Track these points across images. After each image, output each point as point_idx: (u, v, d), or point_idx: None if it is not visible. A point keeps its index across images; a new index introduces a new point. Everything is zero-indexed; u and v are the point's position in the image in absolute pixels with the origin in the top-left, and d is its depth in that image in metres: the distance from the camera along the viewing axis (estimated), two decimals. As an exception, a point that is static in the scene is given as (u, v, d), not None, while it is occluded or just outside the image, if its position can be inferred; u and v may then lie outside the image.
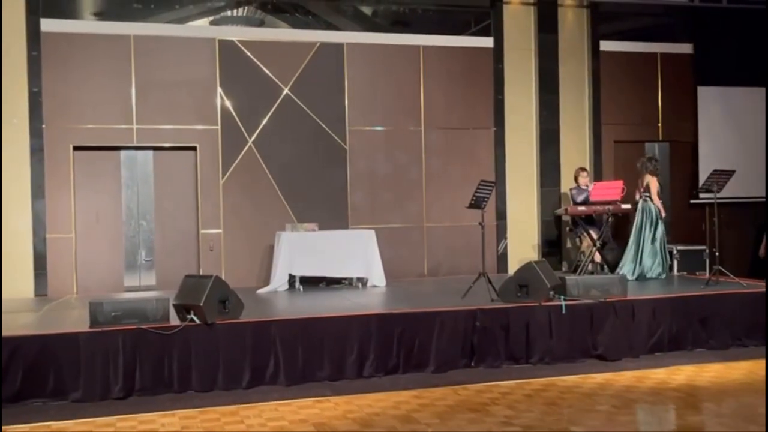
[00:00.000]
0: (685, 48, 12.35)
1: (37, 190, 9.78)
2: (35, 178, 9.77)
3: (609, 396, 6.12)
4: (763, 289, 8.23)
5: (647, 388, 6.40)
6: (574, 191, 10.75)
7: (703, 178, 10.26)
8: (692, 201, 10.80)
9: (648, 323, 7.66)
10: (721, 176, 9.01)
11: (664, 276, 9.74)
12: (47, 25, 9.85)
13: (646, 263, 9.79)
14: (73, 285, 9.91)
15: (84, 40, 10.02)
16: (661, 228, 9.85)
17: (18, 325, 7.04)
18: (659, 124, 12.28)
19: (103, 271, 10.19)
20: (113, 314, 6.43)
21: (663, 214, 9.91)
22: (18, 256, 9.66)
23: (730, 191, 9.72)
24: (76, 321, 7.05)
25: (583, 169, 10.92)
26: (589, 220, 10.49)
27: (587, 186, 10.62)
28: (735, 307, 8.01)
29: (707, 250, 10.44)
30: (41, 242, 9.78)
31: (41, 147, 9.81)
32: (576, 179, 10.85)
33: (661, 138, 12.31)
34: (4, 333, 6.37)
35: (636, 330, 7.60)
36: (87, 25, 10.15)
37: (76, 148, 10.01)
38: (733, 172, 9.11)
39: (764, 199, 11.82)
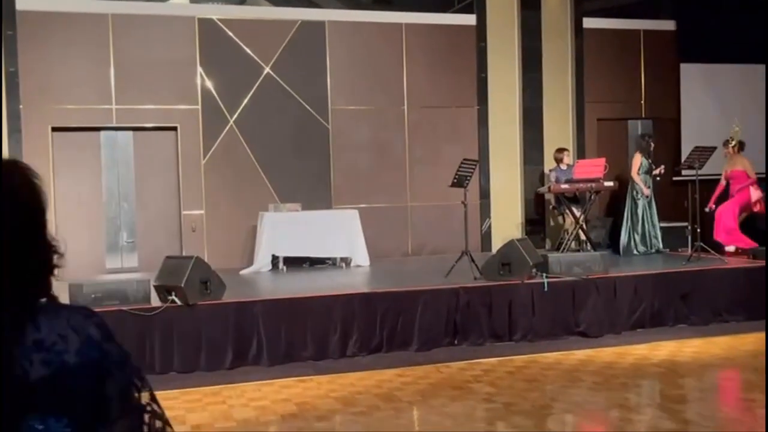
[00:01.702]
0: (668, 25, 12.33)
1: (16, 172, 9.64)
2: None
3: (590, 372, 6.15)
4: (744, 265, 8.31)
5: (628, 364, 6.44)
6: (555, 172, 10.73)
7: (685, 155, 10.28)
8: (675, 178, 10.82)
9: (630, 300, 7.70)
10: (703, 153, 9.04)
11: (649, 252, 9.86)
12: (23, 3, 9.68)
13: (633, 240, 9.91)
14: (54, 267, 9.81)
15: (61, 18, 9.86)
16: (640, 206, 9.92)
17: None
18: (642, 102, 12.28)
19: (85, 253, 10.10)
20: (93, 296, 6.38)
21: (645, 193, 9.95)
22: (-3, 239, 9.55)
23: (712, 168, 9.76)
24: (56, 303, 6.98)
25: (564, 149, 10.90)
26: (572, 198, 10.51)
27: (569, 165, 10.63)
28: (716, 283, 8.07)
29: (689, 227, 10.49)
30: (21, 224, 9.66)
31: (19, 128, 9.68)
32: (557, 160, 10.84)
33: (644, 115, 12.32)
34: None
35: (618, 307, 7.64)
36: (64, 3, 9.98)
37: (54, 129, 9.89)
38: (715, 148, 9.14)
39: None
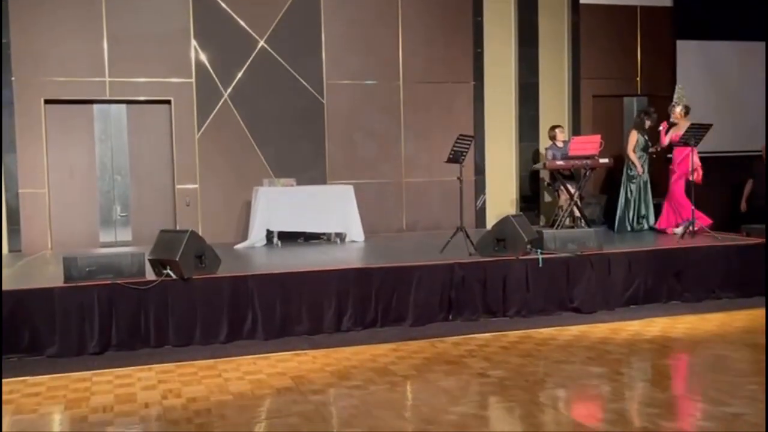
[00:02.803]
0: (665, 1, 12.27)
1: (9, 145, 9.60)
2: (6, 132, 9.58)
3: (584, 348, 6.18)
4: (737, 242, 8.34)
5: (622, 339, 6.47)
6: (551, 150, 10.70)
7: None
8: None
9: (624, 276, 7.73)
10: (699, 130, 9.02)
11: (642, 229, 9.89)
12: (14, -27, 9.57)
13: (627, 217, 9.95)
14: (47, 241, 9.80)
15: (53, -11, 9.75)
16: (635, 183, 9.92)
17: (-9, 280, 6.95)
18: (638, 79, 12.26)
19: (78, 227, 10.08)
20: (88, 269, 6.37)
21: (639, 171, 9.92)
22: (-10, 212, 9.53)
23: (707, 145, 9.75)
24: (50, 276, 6.98)
25: (558, 126, 10.86)
26: (568, 175, 10.51)
27: (564, 142, 10.61)
28: (709, 261, 8.10)
29: (683, 205, 10.50)
30: (14, 197, 9.64)
31: (11, 100, 9.61)
32: (552, 138, 10.81)
33: (639, 92, 12.30)
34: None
35: (611, 283, 7.67)
36: (56, -26, 9.87)
37: (47, 102, 9.82)
38: (710, 125, 9.11)
39: (740, 154, 11.92)
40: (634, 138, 9.96)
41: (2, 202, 9.62)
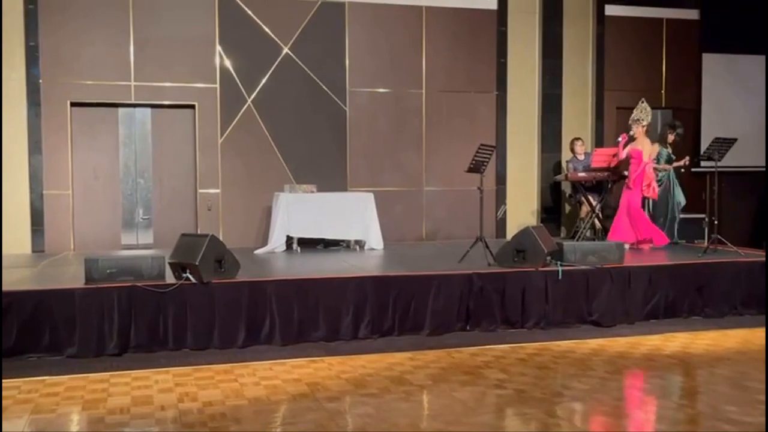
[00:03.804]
0: (692, 14, 12.19)
1: (35, 146, 9.73)
2: (32, 133, 9.71)
3: (602, 362, 6.13)
4: (762, 259, 8.22)
5: (641, 354, 6.41)
6: (572, 163, 10.64)
7: (705, 146, 10.19)
8: (694, 169, 10.73)
9: (644, 290, 7.66)
10: (723, 144, 8.94)
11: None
12: (44, -22, 9.71)
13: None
14: (70, 242, 9.90)
15: (82, -6, 9.88)
16: (658, 196, 9.81)
17: (14, 280, 7.04)
18: (662, 91, 12.17)
19: (101, 229, 10.18)
20: (108, 271, 6.42)
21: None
22: (15, 212, 9.65)
23: (732, 160, 9.65)
24: (72, 277, 7.04)
25: (578, 139, 10.80)
26: (589, 187, 10.44)
27: (583, 155, 10.54)
28: (732, 276, 8.00)
29: (706, 219, 10.41)
30: (38, 198, 9.75)
31: (38, 102, 9.74)
32: (572, 150, 10.76)
33: (663, 105, 12.21)
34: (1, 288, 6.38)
35: (632, 297, 7.60)
36: (85, -21, 10.00)
37: (73, 104, 9.94)
38: (735, 140, 9.03)
39: (765, 169, 11.79)
40: (655, 151, 9.85)
41: (8, 204, 9.73)
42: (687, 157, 9.99)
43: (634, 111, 9.54)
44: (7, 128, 9.61)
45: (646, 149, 9.39)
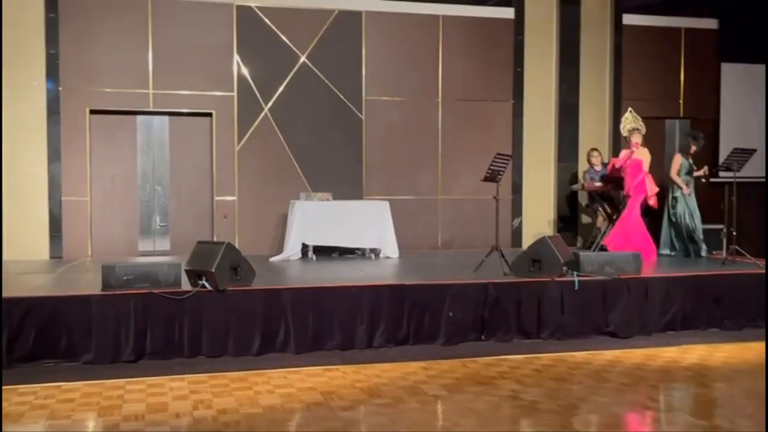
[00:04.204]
0: (710, 23, 12.12)
1: (54, 153, 9.82)
2: (52, 140, 9.80)
3: (619, 373, 6.08)
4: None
5: (658, 366, 6.36)
6: (589, 174, 10.59)
7: (723, 156, 10.11)
8: (712, 179, 10.63)
9: (661, 301, 7.60)
10: (742, 155, 8.87)
11: (672, 254, 9.68)
12: (65, -14, 9.82)
13: (669, 241, 9.76)
14: (87, 248, 9.97)
15: (102, 3, 9.96)
16: (679, 207, 9.68)
17: (32, 286, 7.10)
18: (680, 101, 12.11)
19: (118, 235, 10.24)
20: (125, 278, 6.46)
21: (686, 191, 9.65)
22: (34, 218, 9.73)
23: (751, 170, 9.57)
24: (89, 283, 7.09)
25: (595, 150, 10.75)
26: (606, 197, 10.38)
27: (600, 166, 10.49)
28: (751, 288, 7.91)
29: (725, 230, 10.31)
30: (57, 205, 9.83)
31: (58, 110, 9.83)
32: (589, 161, 10.71)
33: (681, 115, 12.14)
34: (18, 293, 6.44)
35: (649, 308, 7.54)
36: (105, -12, 10.09)
37: (92, 112, 10.02)
38: (754, 150, 8.96)
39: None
40: (678, 161, 9.75)
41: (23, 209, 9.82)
42: (705, 167, 9.90)
43: (628, 121, 9.43)
44: (27, 135, 9.70)
45: (646, 159, 9.33)
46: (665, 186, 9.98)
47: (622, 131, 9.57)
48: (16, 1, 9.61)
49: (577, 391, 5.59)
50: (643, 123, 9.49)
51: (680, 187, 9.61)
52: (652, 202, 9.44)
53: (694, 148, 9.87)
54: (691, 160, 9.87)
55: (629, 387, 5.67)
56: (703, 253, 9.59)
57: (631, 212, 9.32)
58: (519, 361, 6.45)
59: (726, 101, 11.98)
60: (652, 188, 9.35)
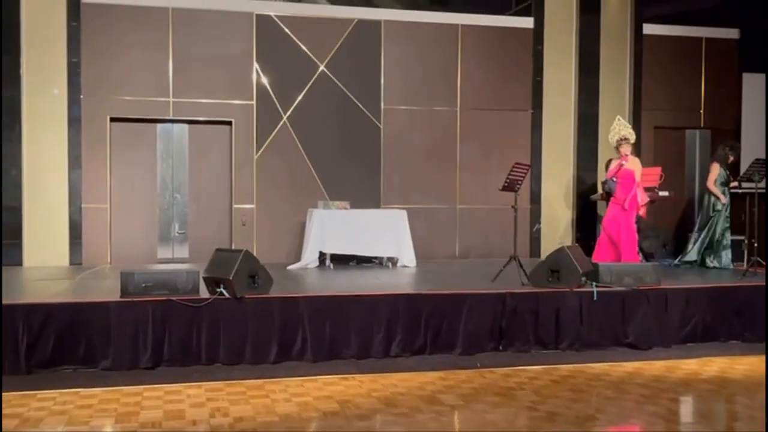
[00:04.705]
0: (732, 33, 12.04)
1: (74, 160, 9.90)
2: (72, 148, 9.89)
3: (638, 385, 6.03)
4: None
5: (678, 378, 6.29)
6: (608, 184, 10.49)
7: (745, 167, 10.02)
8: (732, 190, 10.53)
9: (681, 313, 7.52)
10: (763, 165, 8.78)
11: (719, 267, 9.57)
12: (87, -4, 9.93)
13: (704, 254, 9.63)
14: (107, 255, 10.04)
15: (123, 11, 10.06)
16: (715, 218, 9.58)
17: (52, 292, 7.16)
18: (701, 111, 12.02)
19: (137, 242, 10.30)
20: (144, 285, 6.49)
21: (722, 201, 9.58)
22: (54, 225, 9.82)
23: (773, 181, 9.47)
24: (108, 290, 7.13)
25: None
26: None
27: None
28: (772, 300, 7.82)
29: (746, 241, 10.21)
30: (77, 212, 9.91)
31: (79, 117, 9.92)
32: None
33: (702, 125, 12.06)
34: (38, 300, 6.50)
35: (668, 319, 7.47)
36: (126, -3, 10.18)
37: (113, 120, 10.11)
38: (775, 161, 8.86)
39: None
40: (716, 171, 9.65)
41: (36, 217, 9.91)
42: (737, 180, 9.81)
43: (618, 130, 9.19)
44: (48, 143, 9.80)
45: (638, 170, 9.18)
46: (702, 196, 9.85)
47: (610, 141, 9.35)
48: (39, 10, 9.72)
49: (596, 403, 5.54)
50: (632, 131, 9.20)
51: (718, 197, 9.53)
52: (642, 212, 9.36)
53: (731, 159, 9.79)
54: (728, 171, 9.77)
55: (649, 399, 5.61)
56: (722, 263, 9.51)
57: (630, 227, 9.01)
58: (537, 372, 6.41)
59: (747, 111, 11.86)
60: (642, 198, 9.21)
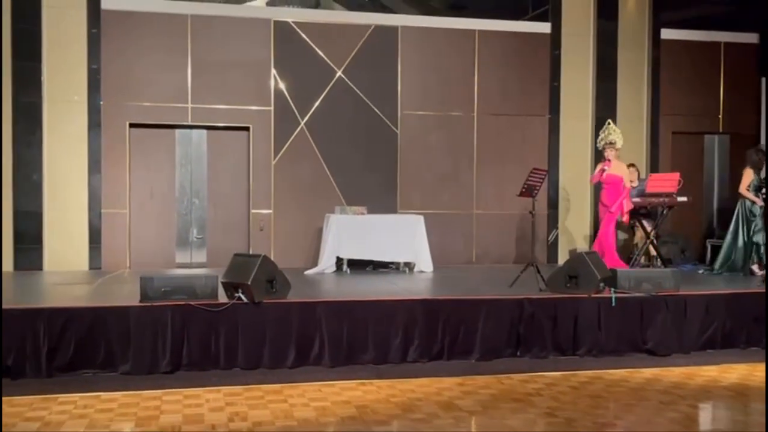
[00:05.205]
0: (751, 38, 11.97)
1: (94, 166, 10.00)
2: (92, 153, 9.99)
3: (657, 392, 5.99)
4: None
5: (697, 385, 6.25)
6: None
7: (763, 173, 9.94)
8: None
9: (700, 319, 7.48)
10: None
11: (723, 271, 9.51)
12: (108, 2, 10.01)
13: (736, 259, 9.54)
14: (126, 259, 10.11)
15: (143, 18, 10.16)
16: (755, 223, 9.50)
17: (72, 296, 7.22)
18: (720, 116, 11.95)
19: (156, 247, 10.38)
20: (163, 289, 6.53)
21: (760, 203, 9.49)
22: (74, 230, 9.91)
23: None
24: (127, 295, 7.18)
25: (632, 165, 10.62)
26: (644, 213, 10.26)
27: (637, 181, 10.36)
28: (793, 307, 7.75)
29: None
30: (96, 217, 10.00)
31: (99, 123, 10.02)
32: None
33: (721, 130, 11.99)
34: (58, 304, 6.56)
35: (687, 326, 7.42)
36: (146, 4, 10.24)
37: (132, 125, 10.19)
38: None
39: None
40: (749, 176, 9.56)
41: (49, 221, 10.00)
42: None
43: (606, 134, 9.15)
44: (68, 148, 9.90)
45: (626, 175, 9.14)
46: (734, 202, 9.77)
47: (598, 144, 9.33)
48: (59, 17, 9.83)
49: (615, 409, 5.52)
50: (621, 137, 9.13)
51: (754, 201, 9.45)
52: (625, 218, 9.32)
53: (765, 164, 9.72)
54: (761, 177, 9.69)
55: (668, 406, 5.58)
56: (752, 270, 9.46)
57: (607, 230, 9.09)
58: (555, 378, 6.39)
59: (767, 116, 11.78)
60: (627, 205, 9.19)
